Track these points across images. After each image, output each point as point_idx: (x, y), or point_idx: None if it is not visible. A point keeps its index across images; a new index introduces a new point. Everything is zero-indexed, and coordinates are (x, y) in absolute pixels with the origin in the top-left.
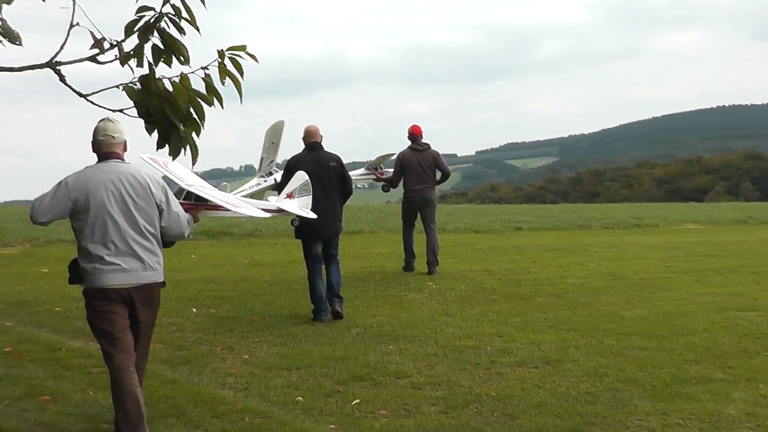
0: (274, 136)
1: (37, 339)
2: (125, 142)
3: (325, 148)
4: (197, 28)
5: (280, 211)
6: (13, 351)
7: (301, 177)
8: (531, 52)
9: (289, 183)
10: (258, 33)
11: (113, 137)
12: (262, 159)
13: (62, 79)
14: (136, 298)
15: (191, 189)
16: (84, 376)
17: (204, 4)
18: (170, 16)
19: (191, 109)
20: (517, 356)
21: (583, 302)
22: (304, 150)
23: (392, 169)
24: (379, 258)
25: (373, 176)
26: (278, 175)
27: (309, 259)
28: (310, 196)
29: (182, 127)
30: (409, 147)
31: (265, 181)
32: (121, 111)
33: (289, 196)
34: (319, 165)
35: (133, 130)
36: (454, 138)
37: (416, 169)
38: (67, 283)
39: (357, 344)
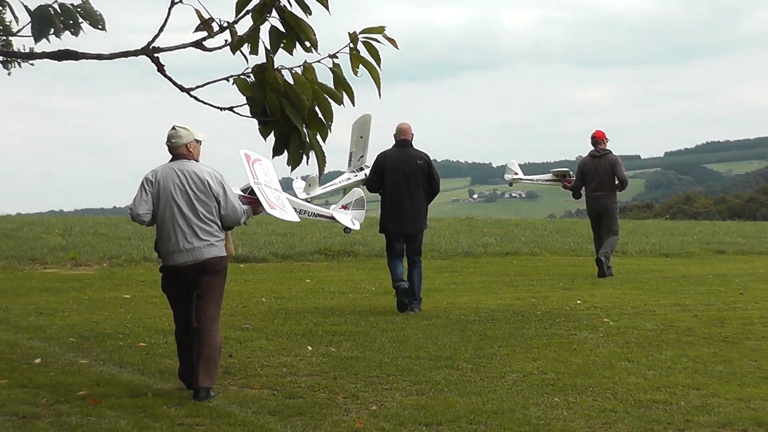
0: (362, 130)
1: (117, 381)
2: (190, 142)
3: (415, 147)
4: (326, 5)
5: (332, 218)
6: (89, 395)
7: (357, 193)
8: (739, 24)
9: (346, 197)
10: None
11: (179, 140)
12: (351, 153)
13: (161, 69)
14: (201, 272)
15: (254, 186)
16: (174, 427)
17: None
18: None
19: (316, 107)
20: (720, 415)
21: None
22: (393, 146)
23: None
24: (542, 287)
25: (561, 183)
26: (369, 170)
27: (390, 253)
28: (364, 211)
29: (305, 130)
30: (589, 153)
31: (356, 175)
32: (230, 109)
33: (345, 207)
34: (405, 162)
35: (246, 132)
36: (638, 135)
37: (593, 176)
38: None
39: (513, 395)
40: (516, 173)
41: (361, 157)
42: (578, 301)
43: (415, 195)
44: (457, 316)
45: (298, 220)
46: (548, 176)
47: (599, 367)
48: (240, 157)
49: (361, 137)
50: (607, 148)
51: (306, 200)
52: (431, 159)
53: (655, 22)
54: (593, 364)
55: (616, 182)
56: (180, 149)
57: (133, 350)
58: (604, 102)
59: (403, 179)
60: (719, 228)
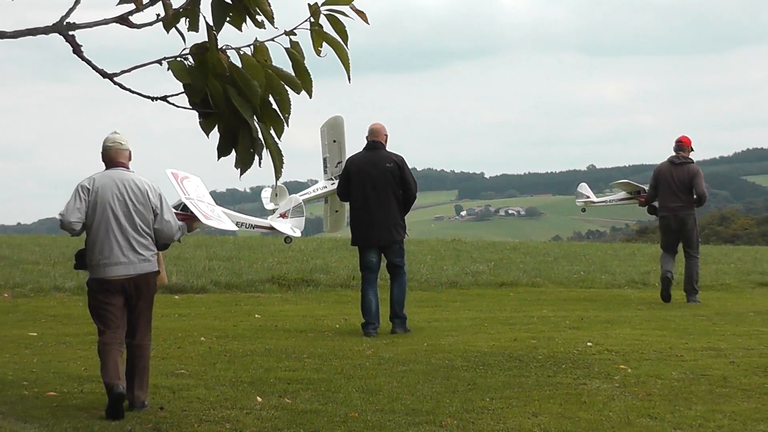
0: (334, 134)
1: None
2: (130, 152)
3: (388, 149)
4: None
5: (272, 229)
6: None
7: (295, 200)
8: None
9: (283, 204)
10: None
11: (121, 144)
12: (325, 160)
13: (77, 50)
14: (134, 287)
15: (186, 202)
16: None
17: None
18: None
19: (269, 96)
20: None
21: None
22: (363, 149)
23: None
24: (544, 325)
25: (637, 201)
26: None
27: (363, 269)
28: (303, 218)
29: (256, 124)
30: (668, 158)
31: (333, 183)
32: (163, 99)
33: (283, 216)
34: (373, 165)
35: (182, 127)
36: (662, 139)
37: (669, 185)
38: (73, 268)
39: None
40: (588, 197)
41: (339, 163)
42: (589, 344)
43: (384, 201)
44: (441, 360)
45: (237, 229)
46: (621, 195)
47: (614, 424)
48: (167, 176)
49: (335, 141)
50: (690, 157)
51: (274, 210)
52: (405, 162)
53: (686, 3)
54: (607, 421)
55: (694, 196)
56: (122, 156)
57: (41, 401)
58: (623, 99)
59: (370, 184)
60: (762, 255)
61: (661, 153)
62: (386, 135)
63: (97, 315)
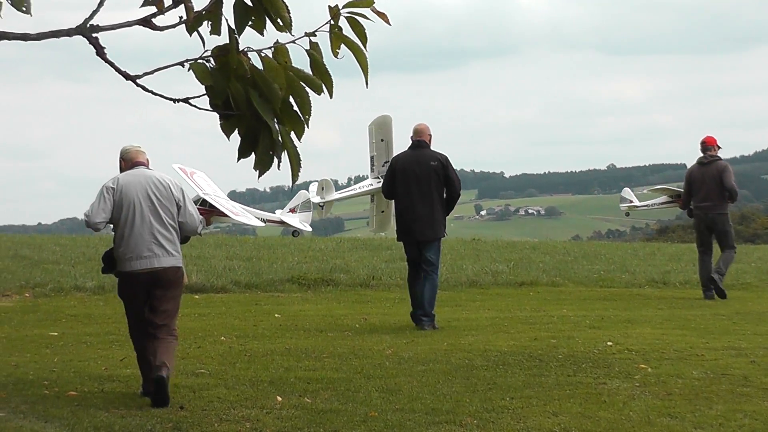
0: (382, 133)
1: None
2: (148, 159)
3: (433, 148)
4: None
5: (282, 222)
6: None
7: (303, 195)
8: None
9: (293, 200)
10: None
11: (140, 147)
12: (372, 158)
13: (100, 52)
14: (158, 280)
15: (206, 198)
16: None
17: None
18: None
19: (290, 98)
20: None
21: None
22: (408, 148)
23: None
24: (564, 325)
25: (677, 204)
26: None
27: (408, 262)
28: (311, 213)
29: (276, 126)
30: (697, 160)
31: (379, 181)
32: (185, 101)
33: (292, 210)
34: (417, 163)
35: (199, 129)
36: (683, 139)
37: (700, 186)
38: (101, 273)
39: None
40: (631, 201)
41: (385, 162)
42: (609, 343)
43: (427, 199)
44: (460, 360)
45: (264, 224)
46: (663, 198)
47: (635, 424)
48: (176, 171)
49: (382, 140)
50: (717, 155)
51: (320, 205)
52: (450, 160)
53: (704, 2)
54: (627, 421)
55: (726, 192)
56: (142, 157)
57: (62, 401)
58: (642, 99)
59: (414, 182)
60: None
61: (680, 152)
62: (430, 135)
63: (126, 307)
